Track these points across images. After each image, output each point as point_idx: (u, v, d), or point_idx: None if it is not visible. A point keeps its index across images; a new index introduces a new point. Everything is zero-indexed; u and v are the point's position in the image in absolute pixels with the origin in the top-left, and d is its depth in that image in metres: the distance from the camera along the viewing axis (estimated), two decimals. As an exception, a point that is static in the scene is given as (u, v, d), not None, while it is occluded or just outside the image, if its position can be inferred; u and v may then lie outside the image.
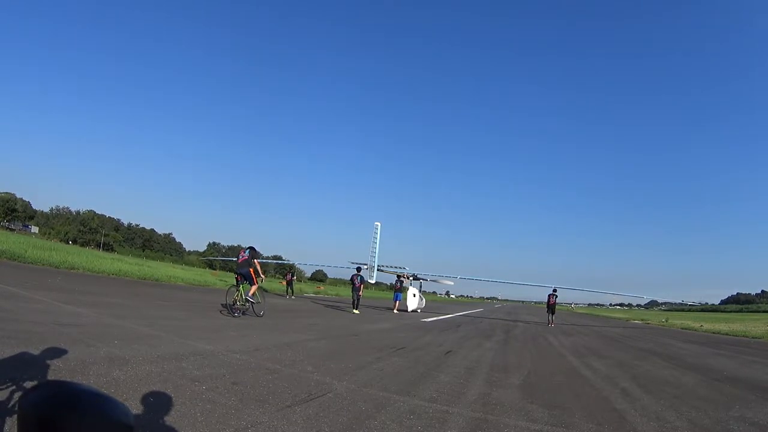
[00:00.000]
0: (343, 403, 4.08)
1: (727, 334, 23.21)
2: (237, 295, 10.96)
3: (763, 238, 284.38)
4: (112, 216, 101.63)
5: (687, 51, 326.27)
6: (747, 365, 10.03)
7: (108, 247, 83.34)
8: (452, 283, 42.78)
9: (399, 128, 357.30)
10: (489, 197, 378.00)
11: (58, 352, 4.16)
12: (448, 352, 8.62)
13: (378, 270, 26.36)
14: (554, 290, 23.32)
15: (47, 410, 0.61)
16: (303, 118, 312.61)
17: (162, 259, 75.04)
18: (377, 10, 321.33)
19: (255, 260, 11.39)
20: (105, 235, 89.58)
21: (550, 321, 22.61)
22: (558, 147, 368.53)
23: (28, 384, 2.90)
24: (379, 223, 26.92)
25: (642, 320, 42.76)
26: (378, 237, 26.57)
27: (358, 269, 19.36)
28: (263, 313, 11.28)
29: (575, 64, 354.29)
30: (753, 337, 20.86)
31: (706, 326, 28.23)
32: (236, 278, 11.31)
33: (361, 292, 18.85)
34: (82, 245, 72.15)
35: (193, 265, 75.18)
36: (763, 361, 11.17)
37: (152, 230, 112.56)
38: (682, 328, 28.39)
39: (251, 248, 11.44)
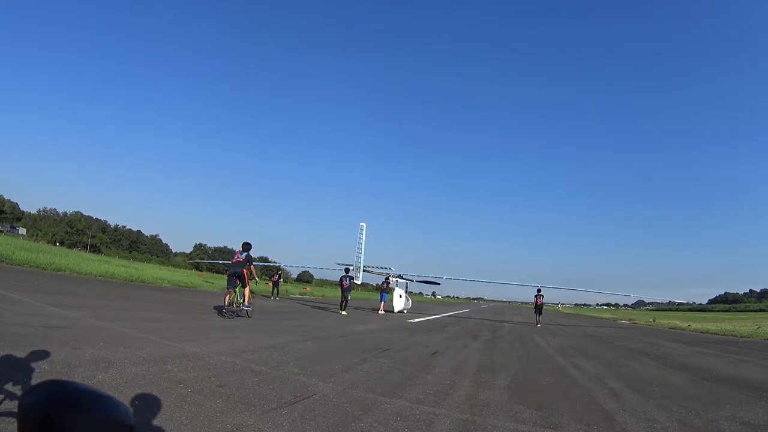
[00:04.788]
0: (329, 405, 4.07)
1: (715, 333, 23.41)
2: (231, 297, 10.91)
3: (751, 237, 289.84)
4: (99, 217, 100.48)
5: (680, 49, 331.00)
6: (736, 364, 10.11)
7: (95, 249, 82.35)
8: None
9: (388, 128, 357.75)
10: (475, 198, 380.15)
11: (43, 355, 4.11)
12: (434, 353, 8.63)
13: (364, 271, 26.29)
14: (539, 290, 23.54)
15: (47, 410, 0.61)
16: (287, 119, 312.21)
17: (149, 261, 74.32)
18: (372, 11, 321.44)
19: (250, 264, 11.41)
20: (92, 237, 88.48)
21: (538, 321, 22.80)
22: (545, 146, 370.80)
23: (13, 387, 2.86)
24: (364, 224, 26.83)
25: (629, 320, 43.09)
26: (363, 238, 26.52)
27: (347, 270, 19.37)
28: (250, 315, 11.25)
29: (565, 62, 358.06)
30: (741, 336, 21.08)
31: (694, 326, 28.52)
32: (229, 278, 11.25)
33: (349, 294, 18.92)
34: (69, 247, 71.13)
35: (179, 266, 74.47)
36: (752, 360, 11.26)
37: (139, 232, 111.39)
38: (670, 328, 28.60)
39: (248, 252, 11.41)
